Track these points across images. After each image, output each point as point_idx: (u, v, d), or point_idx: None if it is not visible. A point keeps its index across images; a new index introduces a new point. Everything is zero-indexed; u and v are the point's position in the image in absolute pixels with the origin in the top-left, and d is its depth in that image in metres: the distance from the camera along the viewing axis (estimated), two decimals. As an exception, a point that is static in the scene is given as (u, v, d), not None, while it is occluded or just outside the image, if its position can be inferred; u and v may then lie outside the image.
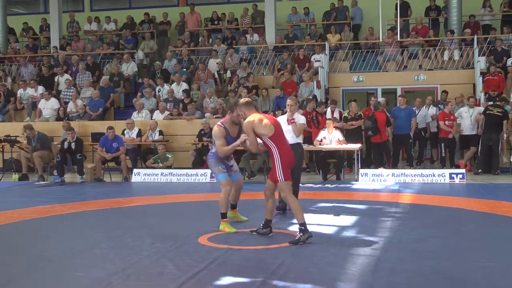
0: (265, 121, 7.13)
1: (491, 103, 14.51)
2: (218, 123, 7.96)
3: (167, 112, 16.30)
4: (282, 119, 8.79)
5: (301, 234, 6.91)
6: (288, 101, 9.03)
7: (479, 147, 13.82)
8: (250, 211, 8.83)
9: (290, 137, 8.52)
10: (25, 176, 14.68)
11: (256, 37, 19.82)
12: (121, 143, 14.32)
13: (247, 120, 7.23)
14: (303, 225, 6.94)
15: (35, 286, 5.59)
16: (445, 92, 15.76)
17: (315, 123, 14.30)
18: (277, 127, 7.25)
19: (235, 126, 7.90)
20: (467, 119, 14.13)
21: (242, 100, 7.55)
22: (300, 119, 9.39)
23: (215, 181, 8.21)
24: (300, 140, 9.25)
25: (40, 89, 18.21)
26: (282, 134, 7.34)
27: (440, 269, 5.74)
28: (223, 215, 7.78)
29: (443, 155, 14.29)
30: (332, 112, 14.66)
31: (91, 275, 5.77)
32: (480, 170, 13.58)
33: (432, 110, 14.97)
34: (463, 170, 12.94)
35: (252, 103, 7.55)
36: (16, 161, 15.46)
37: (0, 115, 17.82)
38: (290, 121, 8.80)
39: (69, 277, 5.83)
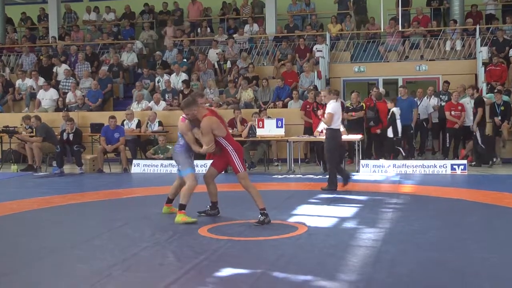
0: (220, 123, 7.63)
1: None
2: (183, 116, 7.85)
3: (163, 103, 16.23)
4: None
5: (264, 217, 7.46)
6: (322, 92, 10.58)
7: (479, 138, 13.71)
8: (247, 202, 8.79)
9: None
10: (31, 167, 14.59)
11: (256, 27, 19.71)
12: (122, 133, 14.28)
13: (206, 122, 7.49)
14: (264, 209, 7.50)
15: (35, 277, 5.56)
16: (446, 82, 15.67)
17: (316, 113, 14.23)
18: (226, 127, 7.82)
19: (197, 121, 7.83)
20: (469, 110, 14.05)
21: (187, 100, 7.68)
22: (328, 109, 10.22)
23: (180, 172, 7.97)
24: (335, 126, 10.31)
25: (41, 80, 18.13)
26: (228, 131, 7.84)
27: (441, 261, 5.71)
28: (182, 206, 7.65)
29: (448, 145, 14.22)
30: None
31: (91, 266, 5.75)
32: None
33: (434, 101, 14.90)
34: (464, 161, 12.88)
35: (197, 101, 7.70)
36: (15, 152, 15.41)
37: (-2, 106, 17.79)
38: (321, 116, 10.13)
39: (69, 268, 5.81)
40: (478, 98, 13.81)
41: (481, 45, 16.59)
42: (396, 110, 13.40)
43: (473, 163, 13.47)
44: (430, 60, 17.31)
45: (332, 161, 10.48)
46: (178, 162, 7.96)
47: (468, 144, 14.26)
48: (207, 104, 15.81)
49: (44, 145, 14.49)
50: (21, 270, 5.74)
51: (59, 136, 14.43)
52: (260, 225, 7.38)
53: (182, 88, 16.65)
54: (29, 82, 18.30)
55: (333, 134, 10.40)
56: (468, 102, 14.13)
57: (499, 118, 13.99)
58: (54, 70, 18.87)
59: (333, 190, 10.28)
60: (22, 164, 15.24)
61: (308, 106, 14.61)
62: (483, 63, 16.02)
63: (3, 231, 7.77)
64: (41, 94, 17.51)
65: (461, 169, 12.55)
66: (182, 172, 7.88)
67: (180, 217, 7.60)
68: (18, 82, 18.48)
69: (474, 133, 13.69)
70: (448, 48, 17.42)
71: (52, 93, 17.46)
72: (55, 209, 9.26)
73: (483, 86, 15.14)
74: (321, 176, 12.39)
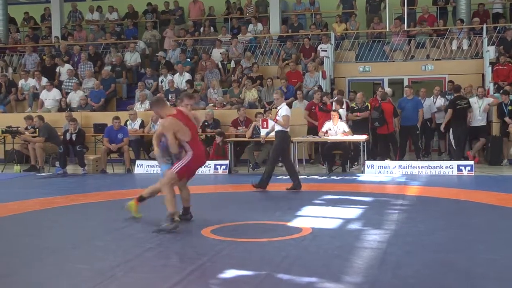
0: (184, 126, 7.21)
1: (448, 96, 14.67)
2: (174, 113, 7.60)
3: (167, 104, 16.15)
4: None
5: (168, 223, 7.02)
6: (274, 95, 10.74)
7: (453, 141, 13.78)
8: (252, 203, 8.71)
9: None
10: (34, 167, 14.52)
11: (260, 26, 19.63)
12: (126, 133, 14.22)
13: (168, 121, 7.24)
14: (171, 215, 7.07)
15: (36, 277, 5.52)
16: (451, 82, 15.55)
17: (325, 109, 14.12)
18: (193, 130, 7.33)
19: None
20: (476, 110, 13.95)
21: (153, 99, 7.56)
22: (284, 111, 10.34)
23: (160, 172, 7.86)
24: (281, 128, 10.43)
25: (44, 80, 18.08)
26: (196, 136, 7.43)
27: (447, 262, 5.65)
28: (141, 199, 7.68)
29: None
30: (339, 103, 14.47)
31: (94, 267, 5.71)
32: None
33: (440, 101, 14.78)
34: (471, 162, 12.76)
35: (162, 101, 7.58)
36: (18, 152, 15.35)
37: (1, 106, 17.71)
38: (275, 119, 10.43)
39: (71, 268, 5.75)
40: (453, 99, 13.89)
41: (488, 45, 16.47)
42: (342, 112, 13.54)
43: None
44: (436, 59, 17.19)
45: (273, 163, 10.64)
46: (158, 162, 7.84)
47: (476, 145, 14.15)
48: (211, 105, 15.85)
49: (47, 146, 14.43)
50: (24, 271, 5.70)
51: (62, 137, 14.37)
52: (157, 232, 6.98)
53: (186, 88, 16.56)
54: (32, 82, 18.26)
55: (284, 136, 10.51)
56: (475, 102, 14.02)
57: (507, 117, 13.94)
58: (57, 70, 18.82)
59: (298, 189, 10.42)
60: (25, 164, 15.21)
61: (313, 107, 14.50)
62: (490, 63, 15.89)
63: (6, 232, 7.72)
64: (44, 94, 17.46)
65: (468, 170, 12.43)
66: (161, 170, 7.70)
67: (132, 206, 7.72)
68: (21, 82, 18.43)
69: (447, 133, 13.91)
70: (454, 47, 17.30)
71: (55, 93, 17.41)
72: (58, 210, 9.21)
73: (490, 86, 15.04)
74: (326, 177, 12.32)
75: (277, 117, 10.42)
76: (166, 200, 7.19)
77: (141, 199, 7.79)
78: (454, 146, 13.81)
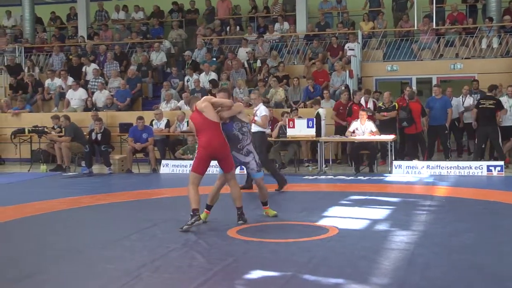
0: (191, 123, 7.81)
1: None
2: None
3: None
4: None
5: (193, 219, 7.21)
6: (251, 95, 10.77)
7: (476, 141, 13.61)
8: (277, 203, 8.64)
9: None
10: (60, 167, 14.62)
11: (286, 25, 19.53)
12: (151, 133, 14.23)
13: None
14: (194, 211, 7.21)
15: (63, 277, 5.55)
16: (476, 81, 15.29)
17: (350, 113, 13.99)
18: (199, 125, 7.54)
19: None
20: (507, 109, 13.67)
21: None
22: (262, 111, 10.31)
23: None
24: (259, 128, 10.34)
25: (70, 80, 18.21)
26: (203, 129, 7.51)
27: (476, 264, 5.58)
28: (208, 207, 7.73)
29: (483, 146, 13.87)
30: (366, 103, 14.33)
31: (120, 267, 5.73)
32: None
33: (469, 100, 14.52)
34: (501, 162, 12.53)
35: (191, 100, 8.14)
36: (44, 152, 15.46)
37: (28, 106, 17.85)
38: (252, 121, 10.06)
39: (98, 268, 5.79)
40: (479, 98, 13.78)
41: (519, 43, 16.18)
42: (321, 111, 13.41)
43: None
44: (465, 58, 16.91)
45: (268, 162, 10.65)
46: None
47: (506, 145, 13.88)
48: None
49: (72, 145, 14.52)
50: (50, 270, 5.75)
51: (88, 136, 14.44)
52: (181, 229, 7.16)
53: (210, 88, 16.52)
54: (58, 81, 18.37)
55: (262, 137, 10.56)
56: (505, 101, 13.75)
57: None
58: (83, 69, 18.92)
59: (285, 186, 10.42)
60: (51, 164, 15.32)
61: (341, 107, 14.36)
62: (522, 61, 15.60)
63: (32, 231, 7.78)
64: (70, 94, 17.56)
65: (498, 171, 12.20)
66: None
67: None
68: (48, 82, 18.56)
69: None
70: (484, 46, 17.00)
71: (81, 93, 17.50)
72: (83, 210, 9.27)
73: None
74: (352, 177, 12.20)
75: (255, 118, 10.34)
76: (189, 198, 7.36)
77: (264, 204, 8.04)
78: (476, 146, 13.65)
